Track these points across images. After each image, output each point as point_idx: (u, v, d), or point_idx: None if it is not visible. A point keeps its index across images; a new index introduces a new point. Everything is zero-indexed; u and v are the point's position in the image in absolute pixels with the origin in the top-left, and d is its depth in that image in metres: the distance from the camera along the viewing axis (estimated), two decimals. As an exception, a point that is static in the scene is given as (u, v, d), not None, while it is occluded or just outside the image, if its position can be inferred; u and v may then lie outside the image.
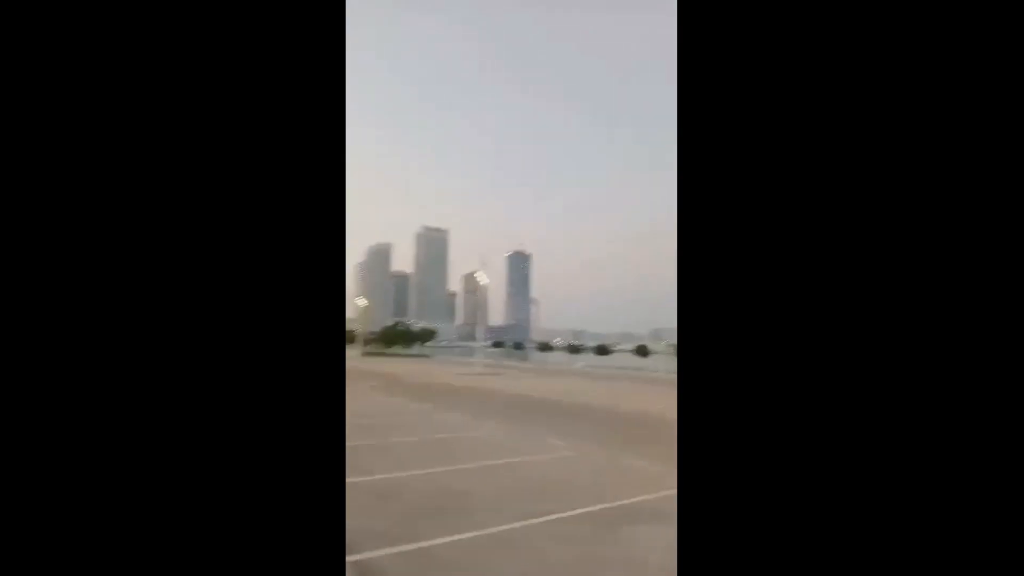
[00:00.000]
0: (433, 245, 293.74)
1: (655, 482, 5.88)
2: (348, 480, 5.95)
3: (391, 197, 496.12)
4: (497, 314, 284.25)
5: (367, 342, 65.77)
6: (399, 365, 33.51)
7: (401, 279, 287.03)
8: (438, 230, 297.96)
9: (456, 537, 4.29)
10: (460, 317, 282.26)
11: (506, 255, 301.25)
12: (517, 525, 4.60)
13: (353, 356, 47.60)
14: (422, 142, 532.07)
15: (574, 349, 71.29)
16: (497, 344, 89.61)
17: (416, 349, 69.58)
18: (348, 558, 3.75)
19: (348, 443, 8.07)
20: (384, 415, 11.10)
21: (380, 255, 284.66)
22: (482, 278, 35.63)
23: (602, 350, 57.82)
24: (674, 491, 5.08)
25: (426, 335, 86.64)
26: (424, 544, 4.14)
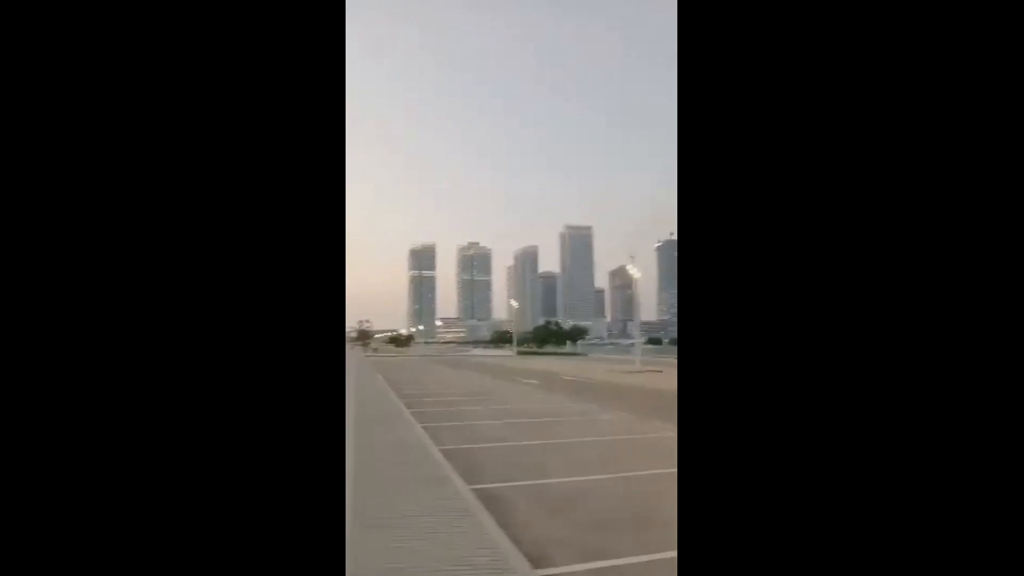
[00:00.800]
0: (578, 243, 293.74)
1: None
2: (525, 482, 5.82)
3: (535, 201, 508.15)
4: (648, 309, 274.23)
5: (520, 342, 68.07)
6: (554, 363, 33.83)
7: (549, 279, 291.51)
8: (582, 227, 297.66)
9: (652, 556, 3.84)
10: (609, 314, 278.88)
11: (656, 245, 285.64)
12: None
13: (508, 355, 49.52)
14: (561, 143, 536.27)
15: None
16: (653, 340, 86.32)
17: (568, 347, 70.14)
18: (538, 572, 3.52)
19: (516, 443, 8.05)
20: (547, 415, 11.03)
21: (528, 258, 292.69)
22: (633, 271, 34.39)
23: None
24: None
25: (577, 333, 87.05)
26: (618, 562, 3.77)
